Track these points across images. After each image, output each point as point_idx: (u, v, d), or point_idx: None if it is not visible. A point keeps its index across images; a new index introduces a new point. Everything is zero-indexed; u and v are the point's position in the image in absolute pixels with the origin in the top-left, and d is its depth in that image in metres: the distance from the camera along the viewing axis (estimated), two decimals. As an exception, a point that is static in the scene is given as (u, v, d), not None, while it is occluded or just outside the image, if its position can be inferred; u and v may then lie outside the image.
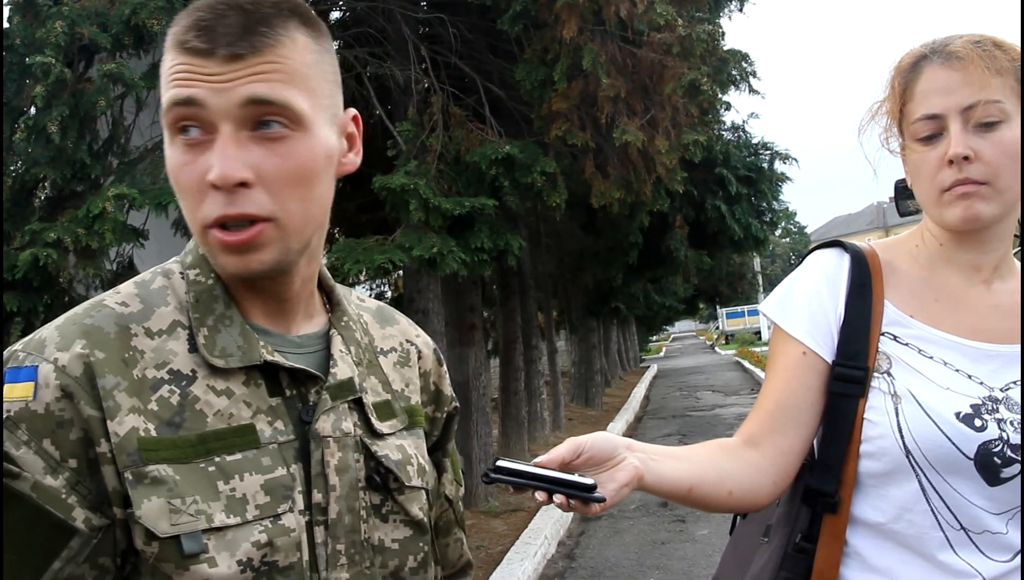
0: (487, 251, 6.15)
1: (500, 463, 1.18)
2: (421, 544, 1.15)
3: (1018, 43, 1.39)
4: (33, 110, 5.60)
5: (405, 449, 1.16)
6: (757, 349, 35.15)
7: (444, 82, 6.98)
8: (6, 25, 5.97)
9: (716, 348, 49.61)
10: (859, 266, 1.47)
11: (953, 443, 1.33)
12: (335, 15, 8.73)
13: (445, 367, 1.36)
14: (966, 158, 1.33)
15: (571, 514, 8.52)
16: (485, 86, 7.32)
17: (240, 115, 0.97)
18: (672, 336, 79.22)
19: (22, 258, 5.36)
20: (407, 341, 1.28)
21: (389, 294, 13.09)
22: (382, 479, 1.11)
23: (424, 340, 1.32)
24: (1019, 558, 1.35)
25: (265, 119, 0.99)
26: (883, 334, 1.43)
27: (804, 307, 1.47)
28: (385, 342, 1.24)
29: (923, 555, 1.37)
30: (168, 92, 0.98)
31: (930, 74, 1.37)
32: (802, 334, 1.46)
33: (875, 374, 1.40)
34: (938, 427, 1.33)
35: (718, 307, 51.00)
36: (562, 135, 6.25)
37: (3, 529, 0.93)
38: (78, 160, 5.74)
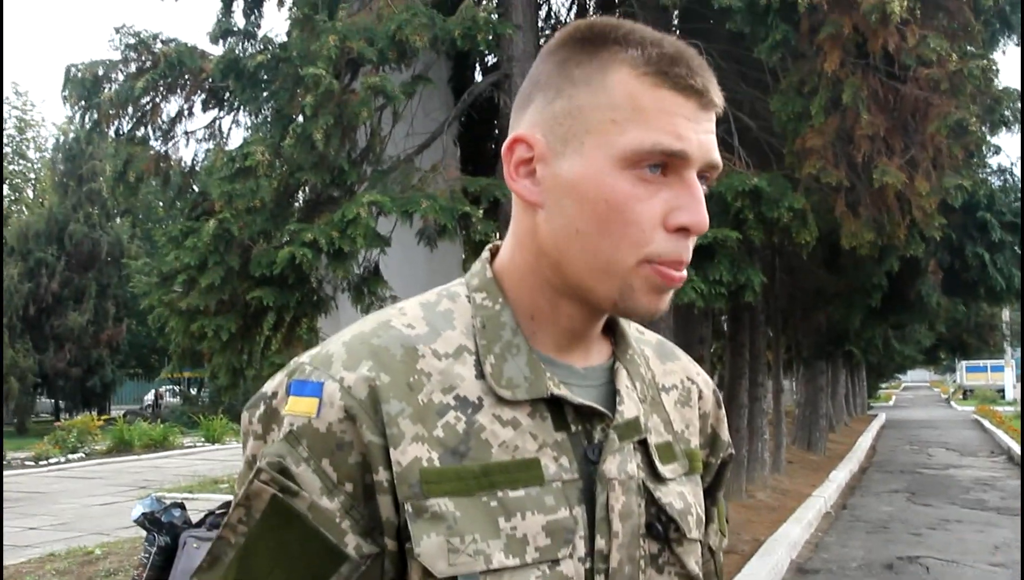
0: (725, 285, 5.98)
1: None
2: None
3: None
4: (301, 118, 5.95)
5: (685, 496, 1.08)
6: (999, 408, 32.72)
7: (693, 109, 6.88)
8: (284, 39, 6.38)
9: (952, 402, 46.62)
10: None
11: None
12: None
13: (724, 410, 1.26)
14: None
15: (787, 563, 8.16)
16: (735, 115, 7.16)
17: (700, 171, 0.97)
18: (904, 385, 75.10)
19: (281, 255, 5.69)
20: (688, 378, 1.19)
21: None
22: (663, 528, 1.04)
23: (704, 379, 1.22)
24: None
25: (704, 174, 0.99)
26: None
27: None
28: (667, 379, 1.16)
29: None
30: (656, 134, 0.94)
31: None
32: None
33: None
34: None
35: (957, 359, 47.82)
36: (816, 173, 5.99)
37: (276, 545, 0.92)
38: (337, 167, 6.05)
